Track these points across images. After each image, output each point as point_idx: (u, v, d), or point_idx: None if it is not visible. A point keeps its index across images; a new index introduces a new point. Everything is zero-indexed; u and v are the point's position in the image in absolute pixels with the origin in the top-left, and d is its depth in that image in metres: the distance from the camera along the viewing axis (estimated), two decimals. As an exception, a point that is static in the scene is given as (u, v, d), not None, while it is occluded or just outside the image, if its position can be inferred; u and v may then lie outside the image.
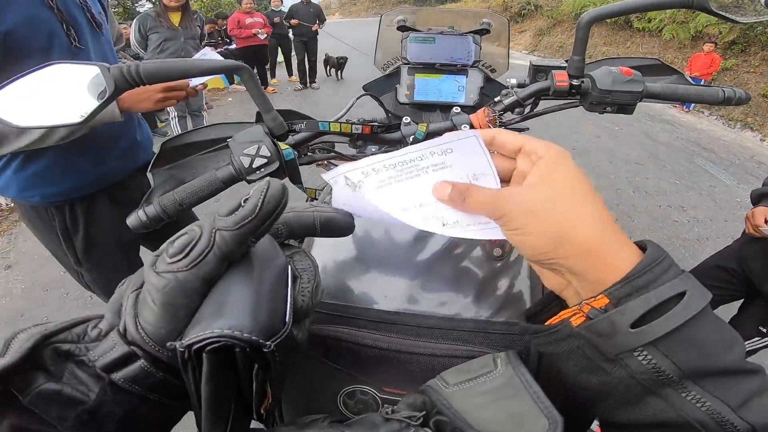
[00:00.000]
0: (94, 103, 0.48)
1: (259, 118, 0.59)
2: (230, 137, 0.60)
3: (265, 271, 0.25)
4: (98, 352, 0.23)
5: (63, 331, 0.24)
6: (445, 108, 0.87)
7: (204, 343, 0.20)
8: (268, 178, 0.25)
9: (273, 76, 7.24)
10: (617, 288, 0.24)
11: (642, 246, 0.27)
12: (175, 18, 3.43)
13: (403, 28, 0.92)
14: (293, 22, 6.32)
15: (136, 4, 9.21)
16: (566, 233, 0.26)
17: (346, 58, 7.43)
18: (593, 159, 3.69)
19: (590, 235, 0.25)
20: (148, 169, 0.58)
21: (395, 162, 0.30)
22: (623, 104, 0.65)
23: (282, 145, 0.53)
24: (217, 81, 7.11)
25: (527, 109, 0.71)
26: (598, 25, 9.95)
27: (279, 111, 0.57)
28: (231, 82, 7.29)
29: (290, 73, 7.67)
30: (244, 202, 0.23)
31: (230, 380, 0.23)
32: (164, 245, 0.24)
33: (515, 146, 0.30)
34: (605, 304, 0.24)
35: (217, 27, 6.79)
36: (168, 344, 0.22)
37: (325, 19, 6.76)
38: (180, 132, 3.78)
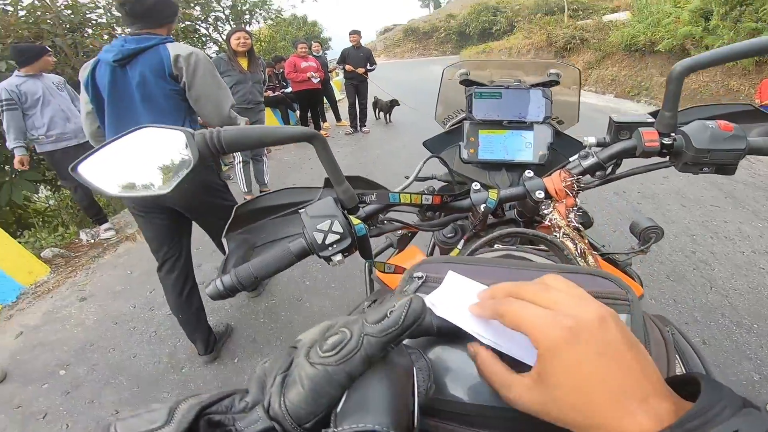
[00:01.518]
0: (180, 174, 0.50)
1: (327, 184, 0.59)
2: (299, 203, 0.61)
3: (398, 372, 0.28)
4: (244, 424, 0.26)
5: (215, 403, 0.27)
6: (511, 167, 0.82)
7: None
8: (411, 295, 0.29)
9: (324, 119, 7.35)
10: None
11: (690, 378, 0.28)
12: (244, 63, 3.63)
13: (466, 82, 0.88)
14: (348, 67, 6.36)
15: (205, 48, 10.01)
16: (567, 425, 0.28)
17: (397, 101, 7.39)
18: (662, 203, 3.40)
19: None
20: (223, 234, 0.60)
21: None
22: (723, 164, 0.57)
23: (353, 220, 0.53)
24: (273, 124, 7.44)
25: (608, 170, 0.65)
26: (654, 56, 9.55)
27: (348, 177, 0.57)
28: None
29: (338, 118, 7.73)
30: (390, 313, 0.27)
31: None
32: (317, 334, 0.28)
33: (515, 327, 0.30)
34: None
35: (274, 71, 7.04)
36: (323, 430, 0.26)
37: (376, 64, 6.68)
38: (243, 175, 4.02)
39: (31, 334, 2.51)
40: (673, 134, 0.59)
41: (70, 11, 5.63)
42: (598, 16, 15.43)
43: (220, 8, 10.48)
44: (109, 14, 6.37)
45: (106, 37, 5.93)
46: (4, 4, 5.20)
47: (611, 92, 10.26)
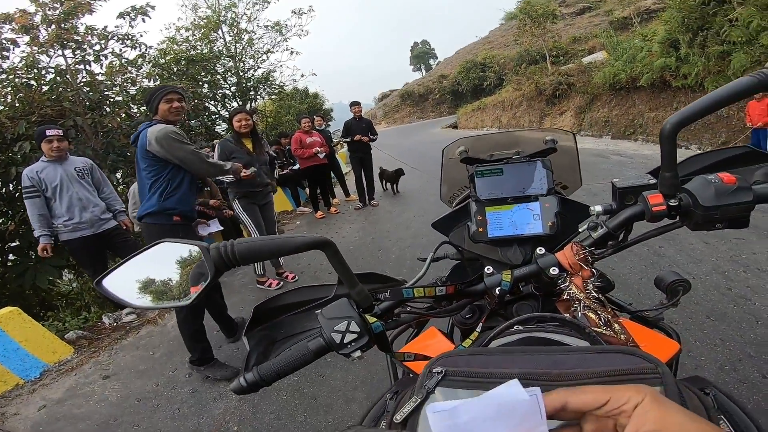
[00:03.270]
0: (198, 287, 0.51)
1: (341, 281, 0.60)
2: (314, 299, 0.61)
3: None
4: None
5: None
6: (522, 241, 0.79)
7: None
8: None
9: (333, 195, 7.15)
10: None
11: None
12: (248, 144, 3.45)
13: (466, 160, 0.88)
14: (357, 137, 6.23)
15: (215, 125, 9.69)
16: None
17: (402, 171, 7.33)
18: (684, 243, 3.29)
19: None
20: (243, 333, 0.60)
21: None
22: (735, 218, 0.56)
23: (369, 318, 0.53)
24: (284, 203, 7.27)
25: (620, 237, 0.65)
26: (638, 91, 9.69)
27: (359, 275, 0.58)
28: (298, 204, 7.45)
29: (346, 193, 7.55)
30: None
31: None
32: None
33: (599, 402, 0.30)
34: None
35: (281, 147, 6.90)
36: None
37: (377, 134, 6.60)
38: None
39: (54, 408, 2.51)
40: (678, 194, 0.58)
41: (88, 88, 5.71)
42: (578, 59, 15.83)
43: (227, 85, 11.19)
44: (125, 93, 6.43)
45: (123, 116, 5.99)
46: (28, 78, 5.23)
47: (607, 134, 10.42)
